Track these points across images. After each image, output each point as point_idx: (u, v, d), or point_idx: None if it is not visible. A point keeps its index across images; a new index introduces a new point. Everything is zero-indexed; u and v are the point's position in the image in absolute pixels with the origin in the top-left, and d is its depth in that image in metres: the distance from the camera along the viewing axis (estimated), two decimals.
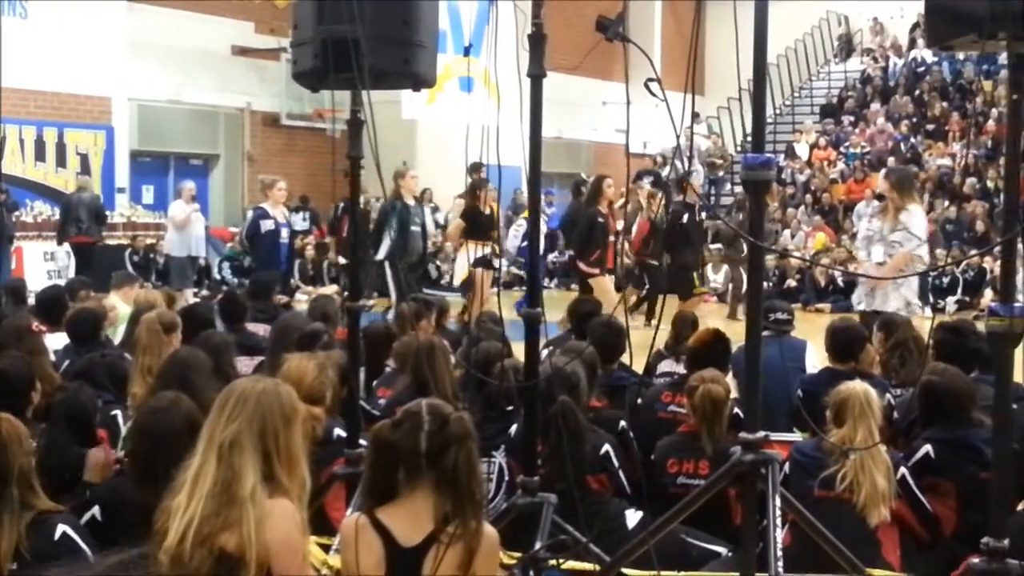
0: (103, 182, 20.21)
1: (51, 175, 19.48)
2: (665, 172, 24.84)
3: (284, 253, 13.66)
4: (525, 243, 14.50)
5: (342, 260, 13.59)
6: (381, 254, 12.64)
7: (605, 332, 6.71)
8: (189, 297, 15.43)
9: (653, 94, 4.08)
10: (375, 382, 7.05)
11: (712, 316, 13.58)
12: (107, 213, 18.72)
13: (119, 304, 8.84)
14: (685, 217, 12.50)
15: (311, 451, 3.53)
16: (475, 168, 13.57)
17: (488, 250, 13.09)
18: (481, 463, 4.22)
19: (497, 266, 13.48)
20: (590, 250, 13.04)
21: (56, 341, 7.43)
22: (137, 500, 3.85)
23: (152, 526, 3.48)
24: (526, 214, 15.13)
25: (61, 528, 3.66)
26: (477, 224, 12.80)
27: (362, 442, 5.07)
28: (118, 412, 5.70)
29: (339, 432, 5.34)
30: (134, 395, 5.89)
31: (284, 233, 13.57)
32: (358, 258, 6.20)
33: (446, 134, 20.35)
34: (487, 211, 13.17)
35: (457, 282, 12.94)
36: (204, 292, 18.20)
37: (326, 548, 4.61)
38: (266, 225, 13.32)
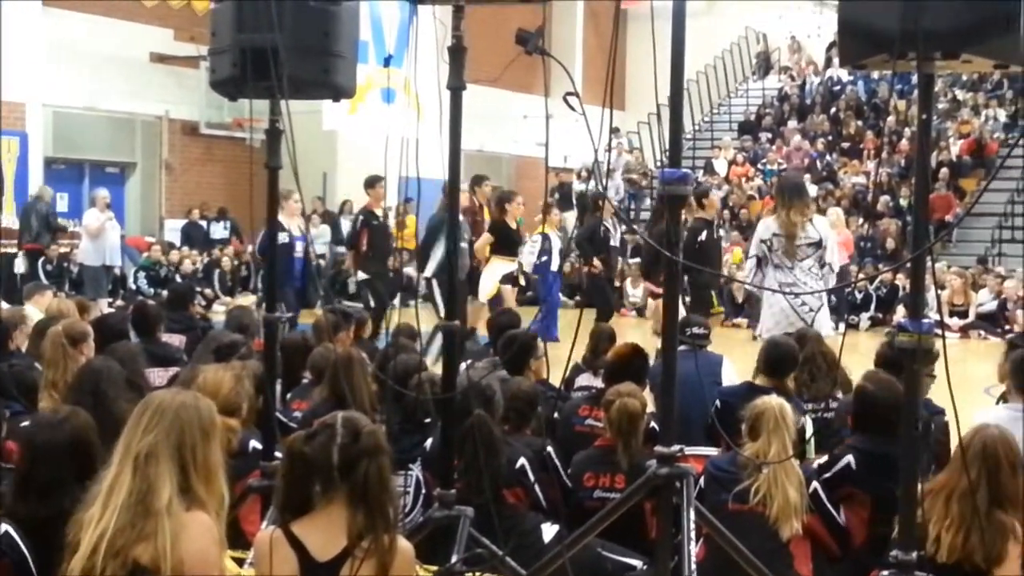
0: (16, 189, 19.78)
1: None
2: (586, 186, 25.04)
3: (299, 268, 13.15)
4: (543, 259, 14.31)
5: (362, 275, 13.10)
6: (430, 270, 12.19)
7: (515, 347, 6.71)
8: (103, 307, 15.18)
9: (572, 108, 4.10)
10: (289, 394, 6.99)
11: (632, 331, 13.61)
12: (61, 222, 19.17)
13: (34, 313, 8.67)
14: (703, 234, 12.37)
15: (226, 463, 3.50)
16: (478, 180, 13.52)
17: (515, 266, 12.92)
18: (397, 476, 4.20)
19: (522, 283, 13.29)
20: (658, 270, 12.81)
21: None
22: (20, 515, 3.79)
23: (35, 541, 3.56)
24: (541, 229, 15.04)
25: (3, 528, 3.63)
26: (507, 240, 12.58)
27: (278, 454, 5.03)
28: (28, 423, 5.59)
29: (255, 444, 5.30)
30: (43, 409, 5.78)
31: (299, 247, 12.94)
32: (275, 268, 6.12)
33: (367, 145, 20.28)
34: (514, 225, 13.04)
35: (483, 299, 12.60)
36: (119, 302, 17.93)
37: (240, 562, 4.56)
38: (280, 238, 12.39)
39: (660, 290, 12.56)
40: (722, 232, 13.25)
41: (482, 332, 10.84)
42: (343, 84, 4.99)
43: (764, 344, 6.75)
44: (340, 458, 3.23)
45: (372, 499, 3.23)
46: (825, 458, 5.57)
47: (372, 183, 13.47)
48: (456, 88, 4.59)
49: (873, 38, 3.60)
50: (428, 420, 5.70)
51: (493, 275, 12.77)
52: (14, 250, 18.79)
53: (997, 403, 6.29)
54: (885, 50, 3.53)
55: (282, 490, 3.36)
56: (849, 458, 5.17)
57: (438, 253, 12.05)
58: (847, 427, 6.04)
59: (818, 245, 8.85)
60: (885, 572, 3.75)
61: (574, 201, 24.83)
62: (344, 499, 3.24)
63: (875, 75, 26.41)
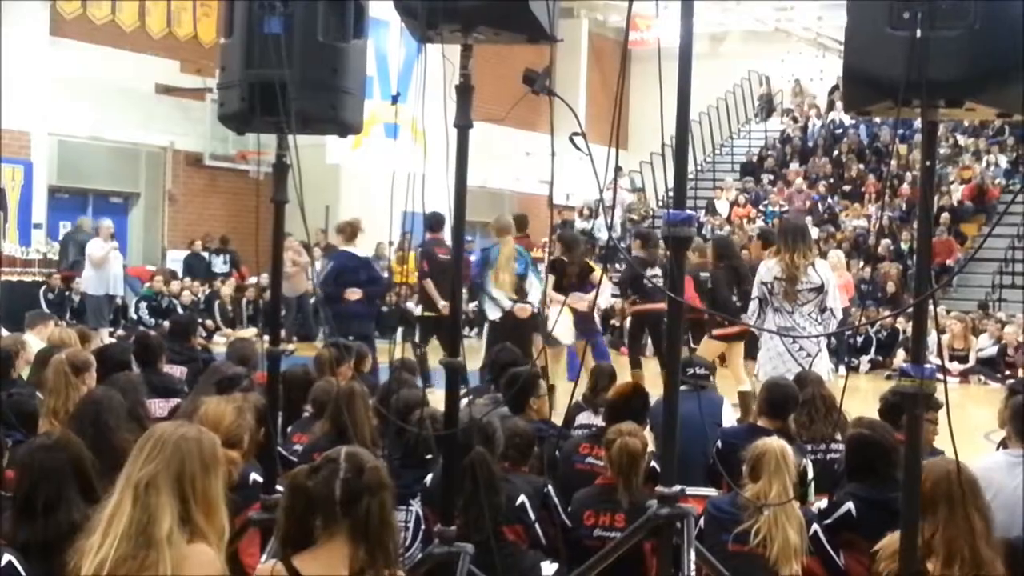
0: (19, 217, 19.87)
1: None
2: (590, 224, 25.09)
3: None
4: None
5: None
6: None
7: (517, 386, 6.71)
8: (105, 336, 15.20)
9: (578, 148, 4.13)
10: (290, 427, 6.99)
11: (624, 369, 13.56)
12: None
13: (34, 343, 8.69)
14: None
15: (226, 496, 3.50)
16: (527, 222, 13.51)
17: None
18: (398, 511, 4.20)
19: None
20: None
21: None
22: (20, 539, 3.84)
23: (33, 564, 3.62)
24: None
25: (7, 558, 3.66)
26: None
27: (279, 487, 5.03)
28: (22, 449, 5.59)
29: (255, 477, 5.29)
30: None
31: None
32: (279, 300, 6.13)
33: (370, 179, 20.35)
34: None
35: (568, 338, 12.59)
36: (120, 332, 17.95)
37: None
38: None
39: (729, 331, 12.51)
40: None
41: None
42: (350, 120, 5.03)
43: (764, 386, 6.76)
44: (342, 493, 3.23)
45: (373, 535, 3.23)
46: (825, 502, 5.58)
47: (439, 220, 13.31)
48: (463, 126, 4.61)
49: (878, 86, 3.62)
50: (429, 456, 5.70)
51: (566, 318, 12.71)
52: (40, 278, 18.95)
53: (998, 449, 6.29)
54: (890, 97, 3.56)
55: (283, 524, 3.36)
56: (849, 505, 5.17)
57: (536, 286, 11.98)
58: None
59: (819, 290, 8.80)
60: None
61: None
62: (345, 534, 3.24)
63: (877, 119, 26.51)
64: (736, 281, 11.82)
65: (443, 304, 12.76)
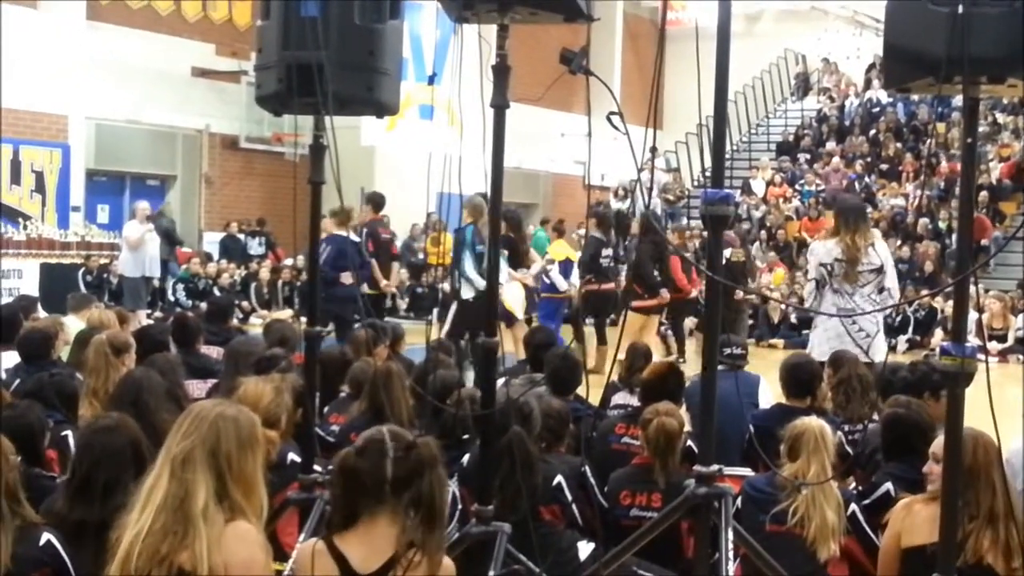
0: (58, 200, 20.01)
1: (5, 192, 19.25)
2: (625, 205, 25.03)
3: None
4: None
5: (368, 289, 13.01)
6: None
7: (561, 364, 6.73)
8: (142, 318, 15.30)
9: (615, 127, 4.11)
10: (327, 408, 7.02)
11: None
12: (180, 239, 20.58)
13: (72, 324, 8.76)
14: (729, 251, 12.32)
15: (265, 475, 3.52)
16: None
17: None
18: None
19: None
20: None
21: (8, 360, 7.37)
22: (74, 518, 3.92)
23: (85, 544, 3.71)
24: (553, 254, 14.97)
25: (46, 536, 3.75)
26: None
27: (316, 468, 5.06)
28: (69, 432, 5.64)
29: (293, 457, 5.32)
30: (83, 417, 5.84)
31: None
32: (316, 282, 6.14)
33: (404, 160, 20.37)
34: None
35: (521, 313, 12.87)
36: (157, 313, 18.07)
37: (278, 574, 4.58)
38: None
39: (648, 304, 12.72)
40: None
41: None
42: (387, 101, 5.03)
43: (785, 366, 6.68)
44: (394, 472, 3.25)
45: (431, 510, 3.25)
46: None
47: (382, 201, 13.56)
48: (500, 106, 4.60)
49: (919, 62, 3.59)
50: (466, 436, 5.71)
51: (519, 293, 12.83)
52: (79, 261, 19.03)
53: None
54: (931, 74, 3.53)
55: (337, 506, 3.38)
56: (888, 485, 5.14)
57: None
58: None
59: (879, 271, 8.58)
60: None
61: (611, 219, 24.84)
62: (392, 512, 3.25)
63: (914, 97, 26.26)
64: (657, 257, 12.34)
65: (385, 283, 12.93)
